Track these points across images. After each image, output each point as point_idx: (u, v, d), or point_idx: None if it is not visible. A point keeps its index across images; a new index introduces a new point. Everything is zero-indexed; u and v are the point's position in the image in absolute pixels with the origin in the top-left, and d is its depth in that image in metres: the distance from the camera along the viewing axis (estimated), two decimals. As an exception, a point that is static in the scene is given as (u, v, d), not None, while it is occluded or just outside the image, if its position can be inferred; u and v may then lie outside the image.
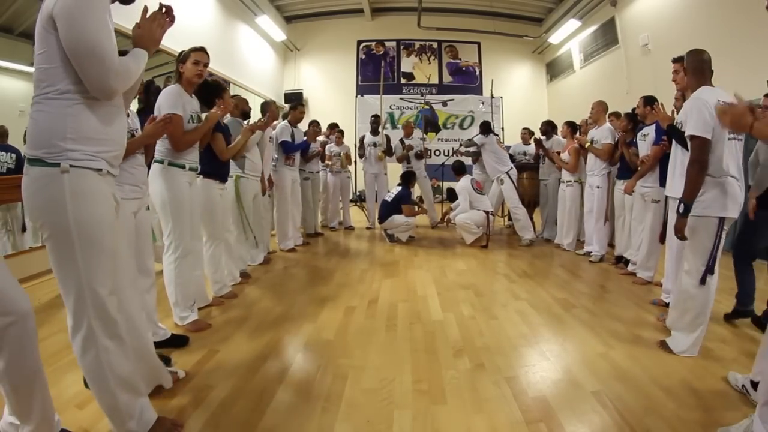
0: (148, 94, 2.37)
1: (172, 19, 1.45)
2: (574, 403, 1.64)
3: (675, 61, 2.53)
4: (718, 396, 1.69)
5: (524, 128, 5.86)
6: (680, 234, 1.99)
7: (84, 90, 1.19)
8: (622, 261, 3.75)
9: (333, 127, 6.03)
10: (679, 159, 2.51)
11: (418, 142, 6.04)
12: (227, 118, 3.12)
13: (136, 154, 1.83)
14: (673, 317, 2.13)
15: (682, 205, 1.96)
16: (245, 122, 3.42)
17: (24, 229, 3.76)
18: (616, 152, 3.76)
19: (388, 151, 5.90)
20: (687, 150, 2.43)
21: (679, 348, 2.05)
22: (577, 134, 4.48)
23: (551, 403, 1.64)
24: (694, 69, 2.09)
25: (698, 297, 1.99)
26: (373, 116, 5.98)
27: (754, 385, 1.61)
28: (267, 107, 3.79)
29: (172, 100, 2.19)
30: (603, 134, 3.87)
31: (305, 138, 4.60)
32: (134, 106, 2.07)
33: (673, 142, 2.53)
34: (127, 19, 1.40)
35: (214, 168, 2.78)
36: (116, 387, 1.28)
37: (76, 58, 1.15)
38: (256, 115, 3.95)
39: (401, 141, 5.96)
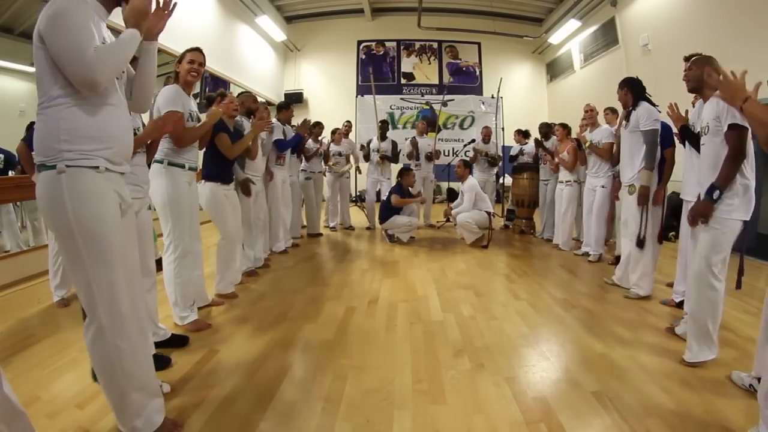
0: None
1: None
2: (574, 403, 1.64)
3: (687, 59, 2.41)
4: (718, 396, 1.69)
5: (516, 130, 5.89)
6: (704, 219, 1.91)
7: (71, 93, 1.23)
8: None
9: (333, 132, 5.91)
10: (693, 161, 2.38)
11: (429, 143, 6.02)
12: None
13: (138, 153, 1.83)
14: (695, 328, 1.97)
15: (717, 191, 1.87)
16: (250, 120, 3.43)
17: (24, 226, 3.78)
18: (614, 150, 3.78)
19: (395, 159, 5.81)
20: (698, 152, 2.37)
21: (706, 356, 1.94)
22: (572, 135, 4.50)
23: (551, 403, 1.64)
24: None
25: (717, 300, 1.92)
26: (381, 121, 5.94)
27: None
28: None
29: (170, 99, 2.20)
30: (603, 134, 3.88)
31: (294, 133, 4.54)
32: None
33: (687, 143, 2.44)
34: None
35: (215, 170, 2.79)
36: (126, 384, 1.30)
37: (59, 62, 1.19)
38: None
39: (414, 139, 5.91)
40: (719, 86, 1.63)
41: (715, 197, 1.88)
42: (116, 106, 1.34)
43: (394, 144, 5.87)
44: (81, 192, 1.22)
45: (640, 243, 2.89)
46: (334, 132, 5.82)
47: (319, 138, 5.27)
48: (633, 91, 2.95)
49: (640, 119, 2.86)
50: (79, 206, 1.22)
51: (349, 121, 6.02)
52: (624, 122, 3.03)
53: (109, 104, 1.31)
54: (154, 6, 1.43)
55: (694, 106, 2.55)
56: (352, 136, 6.25)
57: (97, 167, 1.26)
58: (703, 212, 1.92)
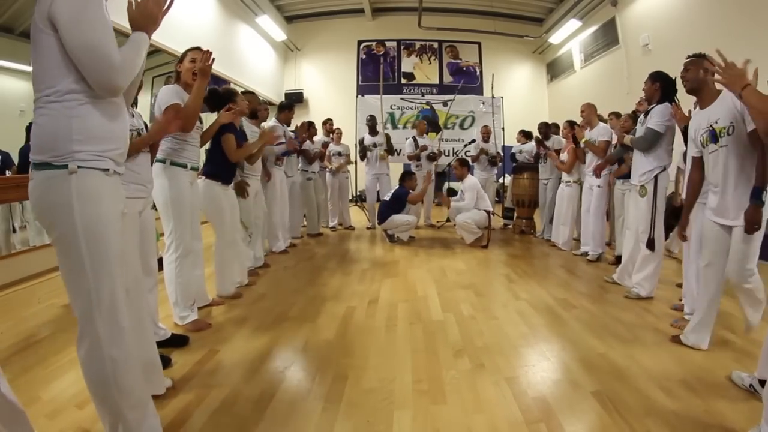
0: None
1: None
2: (574, 403, 1.64)
3: (690, 58, 2.32)
4: (718, 396, 1.69)
5: (520, 131, 5.90)
6: (758, 225, 1.82)
7: (85, 89, 1.16)
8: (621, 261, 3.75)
9: (326, 122, 5.98)
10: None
11: (431, 143, 6.04)
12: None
13: (142, 153, 1.83)
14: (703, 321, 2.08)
15: (764, 192, 1.80)
16: (253, 122, 3.44)
17: (14, 230, 3.76)
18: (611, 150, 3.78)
19: (390, 151, 5.89)
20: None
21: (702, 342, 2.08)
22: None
23: (551, 403, 1.64)
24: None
25: (760, 286, 1.97)
26: (369, 116, 5.99)
27: (763, 383, 1.61)
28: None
29: (171, 96, 2.19)
30: (600, 133, 3.90)
31: (293, 136, 4.53)
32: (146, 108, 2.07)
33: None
34: (125, 18, 1.38)
35: (218, 169, 2.78)
36: (121, 402, 1.23)
37: (78, 58, 1.12)
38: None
39: (414, 139, 5.96)
40: (720, 72, 1.65)
41: (764, 199, 1.80)
42: (120, 104, 1.30)
43: (388, 137, 5.93)
44: (90, 194, 1.17)
45: (650, 244, 2.83)
46: (332, 131, 5.85)
47: (314, 138, 5.30)
48: (664, 89, 2.79)
49: (652, 116, 2.78)
50: (87, 209, 1.16)
51: (330, 119, 6.06)
52: (642, 117, 2.93)
53: (116, 102, 1.26)
54: None
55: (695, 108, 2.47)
56: (351, 136, 6.27)
57: (107, 169, 1.22)
58: (758, 219, 1.81)
